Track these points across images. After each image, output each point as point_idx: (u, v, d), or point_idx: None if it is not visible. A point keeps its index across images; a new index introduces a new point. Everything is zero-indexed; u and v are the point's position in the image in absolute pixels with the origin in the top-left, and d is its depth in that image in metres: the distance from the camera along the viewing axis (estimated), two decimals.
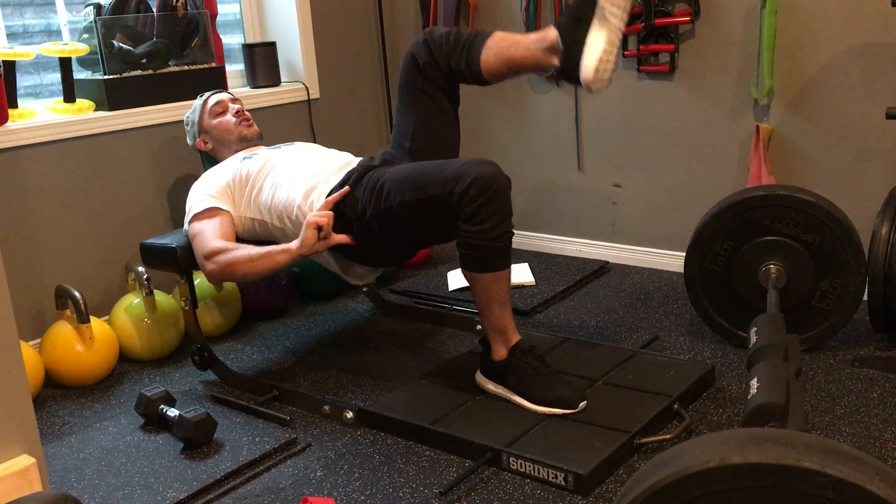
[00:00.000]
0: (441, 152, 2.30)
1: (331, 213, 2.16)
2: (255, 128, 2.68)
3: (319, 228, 2.13)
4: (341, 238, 2.19)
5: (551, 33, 2.12)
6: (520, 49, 2.17)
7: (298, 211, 2.30)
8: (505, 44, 2.19)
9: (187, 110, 2.78)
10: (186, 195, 2.50)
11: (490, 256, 2.04)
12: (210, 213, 2.37)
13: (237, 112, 2.67)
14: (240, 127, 2.64)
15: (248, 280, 2.35)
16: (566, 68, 2.09)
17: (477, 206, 1.99)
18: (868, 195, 2.66)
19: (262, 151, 2.52)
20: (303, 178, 2.34)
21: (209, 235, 2.31)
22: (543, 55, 2.15)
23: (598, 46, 2.03)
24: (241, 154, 2.58)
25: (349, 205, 2.21)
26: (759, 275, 2.31)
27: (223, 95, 2.72)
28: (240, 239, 2.39)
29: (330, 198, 2.20)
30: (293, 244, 2.18)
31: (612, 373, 2.25)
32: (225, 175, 2.46)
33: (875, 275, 2.21)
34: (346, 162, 2.40)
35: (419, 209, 2.09)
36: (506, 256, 2.07)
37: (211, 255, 2.27)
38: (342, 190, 2.21)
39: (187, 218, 2.41)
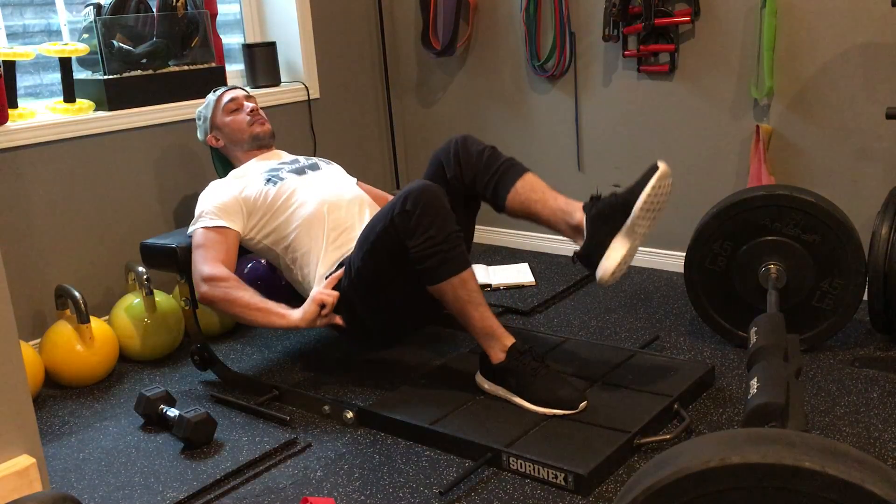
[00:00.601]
0: None
1: (336, 293, 2.20)
2: (268, 126, 2.66)
3: (323, 306, 2.17)
4: (337, 319, 2.22)
5: (578, 216, 2.14)
6: (545, 210, 2.20)
7: (312, 269, 2.35)
8: (534, 196, 2.21)
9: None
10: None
11: (447, 260, 2.04)
12: (219, 231, 2.37)
13: (252, 111, 2.64)
14: (253, 126, 2.62)
15: (233, 319, 2.37)
16: (585, 259, 2.13)
17: (416, 217, 2.02)
18: (868, 195, 2.66)
19: (287, 178, 2.48)
20: (331, 236, 2.35)
21: (212, 256, 2.32)
22: (566, 228, 2.18)
23: (619, 254, 2.06)
24: (262, 167, 2.54)
25: (336, 287, 2.24)
26: (759, 275, 2.31)
27: (238, 92, 2.67)
28: (242, 252, 2.42)
29: (333, 275, 2.23)
30: (294, 315, 2.20)
31: (612, 373, 2.25)
32: (244, 189, 2.44)
33: (875, 275, 2.21)
34: (367, 216, 2.41)
35: (377, 253, 2.11)
36: (462, 256, 2.07)
37: (210, 279, 2.28)
38: (340, 271, 2.23)
39: (194, 224, 2.41)
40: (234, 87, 2.71)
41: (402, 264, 2.08)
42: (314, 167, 2.57)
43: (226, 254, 2.35)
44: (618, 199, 2.07)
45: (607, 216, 2.08)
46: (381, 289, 2.17)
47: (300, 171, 2.52)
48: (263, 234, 2.43)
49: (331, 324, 2.23)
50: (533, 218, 2.24)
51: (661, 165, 2.05)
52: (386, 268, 2.13)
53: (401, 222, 2.03)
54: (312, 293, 2.22)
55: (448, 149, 2.28)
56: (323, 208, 2.39)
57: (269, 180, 2.47)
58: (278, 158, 2.64)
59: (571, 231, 2.16)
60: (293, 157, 2.66)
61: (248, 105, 2.65)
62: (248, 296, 2.25)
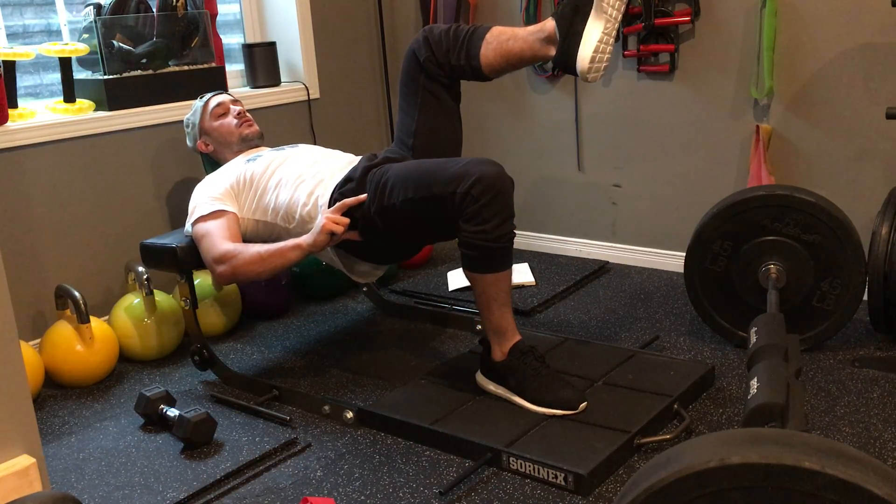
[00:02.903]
0: (444, 149, 2.31)
1: (347, 219, 2.16)
2: (256, 127, 2.68)
3: (333, 235, 2.14)
4: (350, 234, 2.19)
5: (549, 24, 2.14)
6: (518, 41, 2.18)
7: (303, 209, 2.31)
8: (503, 37, 2.20)
9: (187, 110, 2.78)
10: (186, 195, 2.50)
11: (491, 257, 2.04)
12: (216, 215, 2.37)
13: (238, 114, 2.66)
14: (241, 128, 2.64)
15: (259, 279, 2.36)
16: (562, 58, 2.11)
17: (479, 206, 1.99)
18: (868, 195, 2.66)
19: (265, 153, 2.52)
20: (307, 178, 2.35)
21: (217, 238, 2.31)
22: (541, 46, 2.16)
23: (594, 37, 2.06)
24: (245, 156, 2.58)
25: (353, 212, 2.21)
26: (759, 275, 2.31)
27: (224, 97, 2.71)
28: (245, 240, 2.39)
29: (346, 200, 2.18)
30: (304, 240, 2.17)
31: (612, 373, 2.25)
32: (229, 177, 2.46)
33: (875, 275, 2.21)
34: (348, 161, 2.41)
35: (422, 207, 2.09)
36: (507, 257, 2.07)
37: (221, 258, 2.26)
38: (360, 197, 2.19)
39: (190, 219, 2.41)
40: (220, 93, 2.74)
41: (444, 226, 2.09)
42: (293, 146, 2.59)
43: (229, 232, 2.33)
44: None
45: (574, 5, 2.07)
46: (408, 228, 2.18)
47: (279, 149, 2.55)
48: (255, 209, 2.41)
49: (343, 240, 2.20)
50: (511, 58, 2.21)
51: None
52: (425, 221, 2.13)
53: (461, 203, 2.00)
54: (319, 220, 2.15)
55: (416, 39, 2.29)
56: (301, 163, 2.40)
57: (248, 161, 2.49)
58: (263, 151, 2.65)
59: (548, 44, 2.14)
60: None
61: (235, 108, 2.67)
62: (257, 250, 2.22)
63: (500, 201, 2.00)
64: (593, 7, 2.06)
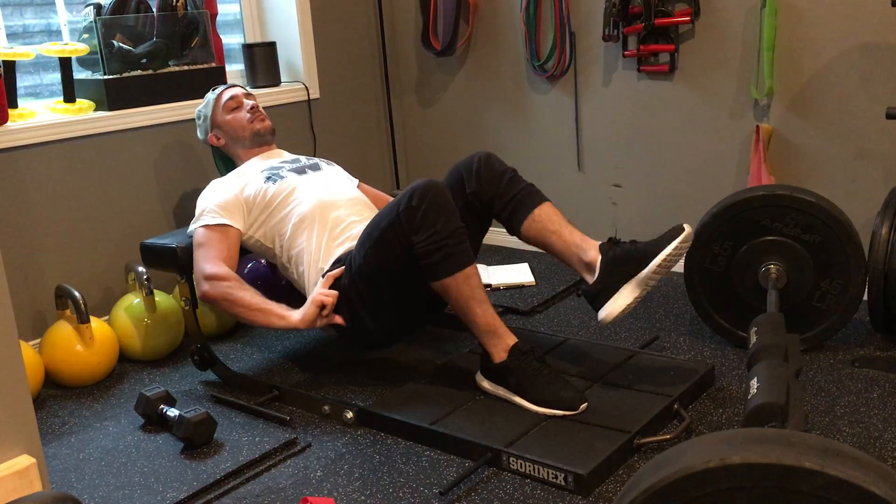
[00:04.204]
0: None
1: (336, 292, 2.19)
2: (269, 122, 2.66)
3: (323, 307, 2.17)
4: (337, 319, 2.22)
5: (592, 254, 2.18)
6: (560, 243, 2.24)
7: (306, 267, 2.35)
8: (550, 227, 2.24)
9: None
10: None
11: (450, 255, 2.05)
12: (220, 229, 2.37)
13: (252, 108, 2.63)
14: (253, 123, 2.61)
15: (234, 318, 2.38)
16: (591, 297, 2.18)
17: (421, 213, 2.03)
18: (868, 195, 2.66)
19: (288, 176, 2.48)
20: (326, 232, 2.35)
21: (213, 255, 2.32)
22: (577, 263, 2.22)
23: (625, 301, 2.12)
24: (263, 165, 2.55)
25: (335, 285, 2.23)
26: (759, 275, 2.31)
27: (237, 90, 2.67)
28: (242, 252, 2.42)
29: (330, 273, 2.23)
30: (294, 316, 2.21)
31: (612, 373, 2.25)
32: (244, 188, 2.45)
33: (875, 275, 2.21)
34: (369, 216, 2.39)
35: (379, 252, 2.11)
36: (466, 252, 2.08)
37: (211, 277, 2.28)
38: (340, 269, 2.23)
39: (195, 223, 2.41)
40: (234, 85, 2.71)
41: (405, 261, 2.09)
42: (315, 167, 2.57)
43: (227, 252, 2.35)
44: (637, 250, 2.12)
45: (622, 263, 2.12)
46: (383, 287, 2.17)
47: (301, 171, 2.52)
48: (262, 231, 2.43)
49: (331, 324, 2.23)
50: (546, 248, 2.27)
51: (687, 229, 2.11)
52: (388, 264, 2.13)
53: (406, 217, 2.04)
54: (312, 295, 2.22)
55: (471, 165, 2.30)
56: (320, 207, 2.39)
57: (268, 178, 2.47)
58: (279, 157, 2.64)
59: (583, 267, 2.20)
60: (294, 156, 2.66)
61: (248, 102, 2.65)
62: (249, 296, 2.25)
63: (439, 201, 2.05)
64: (637, 276, 2.10)
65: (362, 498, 1.85)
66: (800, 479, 1.01)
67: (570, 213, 3.36)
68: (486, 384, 2.19)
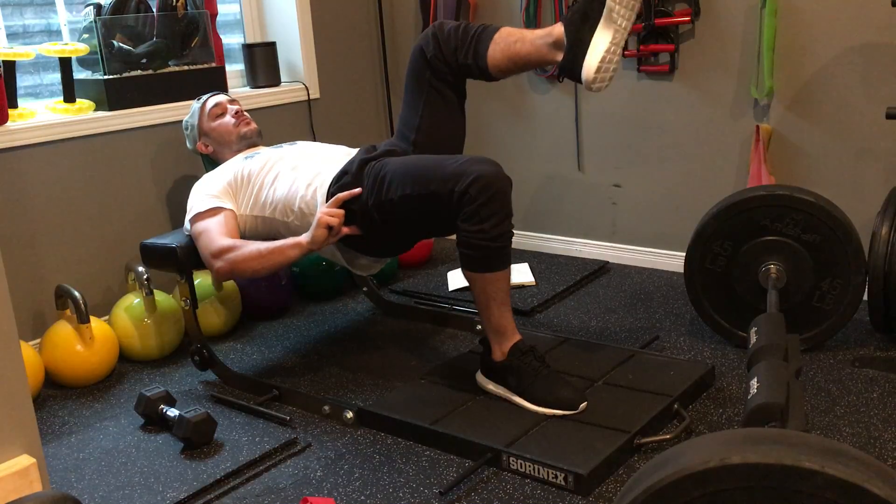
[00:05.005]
0: (446, 146, 2.31)
1: (342, 210, 2.17)
2: (254, 125, 2.68)
3: (330, 227, 2.15)
4: (349, 230, 2.19)
5: (557, 29, 2.12)
6: (525, 44, 2.17)
7: (301, 201, 2.31)
8: (511, 39, 2.19)
9: (187, 110, 2.78)
10: (186, 195, 2.50)
11: (489, 256, 2.04)
12: (213, 211, 2.37)
13: (236, 113, 2.67)
14: (238, 126, 2.64)
15: (257, 276, 2.36)
16: (568, 65, 2.09)
17: (477, 205, 1.98)
18: (868, 195, 2.66)
19: (263, 151, 2.53)
20: (304, 170, 2.35)
21: (215, 234, 2.31)
22: (548, 51, 2.15)
23: (601, 46, 2.04)
24: (243, 154, 2.58)
25: (354, 201, 2.20)
26: (759, 275, 2.31)
27: (221, 97, 2.71)
28: (244, 237, 2.39)
29: (341, 195, 2.19)
30: (303, 238, 2.19)
31: (612, 373, 2.25)
32: (226, 175, 2.46)
33: (875, 275, 2.21)
34: (346, 153, 2.41)
35: (419, 204, 2.09)
36: (505, 257, 2.07)
37: (219, 253, 2.27)
38: (354, 190, 2.19)
39: (188, 217, 2.41)
40: (217, 93, 2.75)
41: (441, 223, 2.10)
42: (292, 143, 2.59)
43: (226, 228, 2.34)
44: None
45: (584, 13, 2.05)
46: (405, 223, 2.18)
47: (277, 147, 2.55)
48: (257, 206, 2.41)
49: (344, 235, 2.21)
50: (518, 60, 2.20)
51: None
52: (422, 217, 2.13)
53: (459, 202, 2.01)
54: (317, 215, 2.18)
55: (425, 35, 2.28)
56: (298, 157, 2.40)
57: (247, 158, 2.50)
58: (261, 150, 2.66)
59: (555, 49, 2.13)
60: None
61: (233, 108, 2.68)
62: (256, 246, 2.24)
63: (498, 200, 2.00)
64: (603, 16, 2.04)
65: (362, 498, 1.85)
66: (800, 479, 1.01)
67: (570, 213, 3.37)
68: (486, 384, 2.19)
